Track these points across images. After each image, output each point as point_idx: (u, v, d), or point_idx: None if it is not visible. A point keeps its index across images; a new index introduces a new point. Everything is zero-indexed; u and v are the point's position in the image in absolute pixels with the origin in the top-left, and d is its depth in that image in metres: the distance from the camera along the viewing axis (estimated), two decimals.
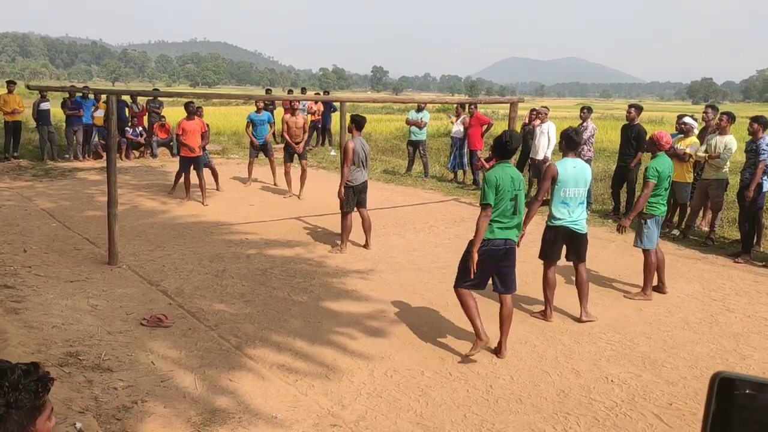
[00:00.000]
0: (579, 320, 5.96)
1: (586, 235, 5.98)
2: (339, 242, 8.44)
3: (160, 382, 4.52)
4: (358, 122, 8.27)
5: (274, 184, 13.07)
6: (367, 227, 8.45)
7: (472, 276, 4.99)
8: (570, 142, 5.86)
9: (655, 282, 6.89)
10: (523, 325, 5.88)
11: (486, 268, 5.02)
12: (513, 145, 5.06)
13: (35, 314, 5.54)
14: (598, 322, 6.01)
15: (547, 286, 5.97)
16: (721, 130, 8.90)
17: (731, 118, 8.99)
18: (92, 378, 4.45)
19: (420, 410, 4.30)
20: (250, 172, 13.38)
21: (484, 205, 4.94)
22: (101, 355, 4.83)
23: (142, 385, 4.44)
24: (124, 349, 5.03)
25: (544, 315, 6.03)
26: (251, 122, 12.93)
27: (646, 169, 6.67)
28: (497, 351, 5.19)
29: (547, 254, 5.96)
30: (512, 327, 5.79)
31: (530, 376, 4.86)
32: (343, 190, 8.15)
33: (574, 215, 5.82)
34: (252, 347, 5.23)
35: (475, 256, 4.92)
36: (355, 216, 8.36)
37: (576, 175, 5.77)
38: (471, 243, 4.99)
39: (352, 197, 8.22)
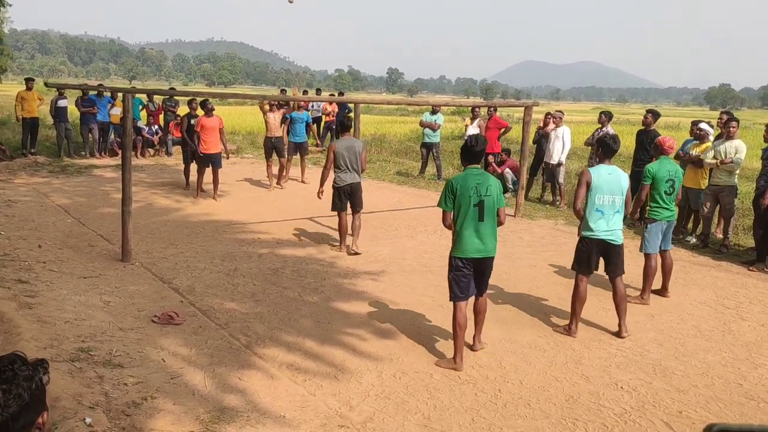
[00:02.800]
0: (619, 335, 5.72)
1: (622, 246, 5.72)
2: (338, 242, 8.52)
3: (170, 379, 4.55)
4: (342, 124, 8.39)
5: (302, 181, 13.35)
6: (354, 229, 8.30)
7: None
8: (607, 149, 5.69)
9: (659, 285, 6.93)
10: (533, 330, 5.86)
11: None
12: (478, 148, 5.06)
13: (48, 309, 5.59)
14: (609, 328, 5.97)
15: (577, 299, 5.72)
16: (729, 135, 8.82)
17: (736, 121, 8.93)
18: (103, 374, 4.49)
19: (428, 413, 4.30)
20: (286, 173, 13.20)
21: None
22: (112, 351, 4.88)
23: (152, 381, 4.47)
24: (135, 345, 5.07)
25: (568, 330, 5.79)
26: (290, 119, 13.05)
27: None
28: (471, 346, 5.30)
29: (581, 266, 5.74)
30: (521, 332, 5.81)
31: (539, 381, 4.84)
32: (322, 191, 8.30)
33: (609, 225, 5.59)
34: (262, 346, 5.25)
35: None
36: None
37: (611, 181, 5.56)
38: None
39: (339, 199, 8.18)
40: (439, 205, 5.09)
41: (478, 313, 5.28)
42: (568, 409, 4.43)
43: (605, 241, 5.62)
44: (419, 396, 4.53)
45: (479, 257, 4.99)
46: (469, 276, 5.04)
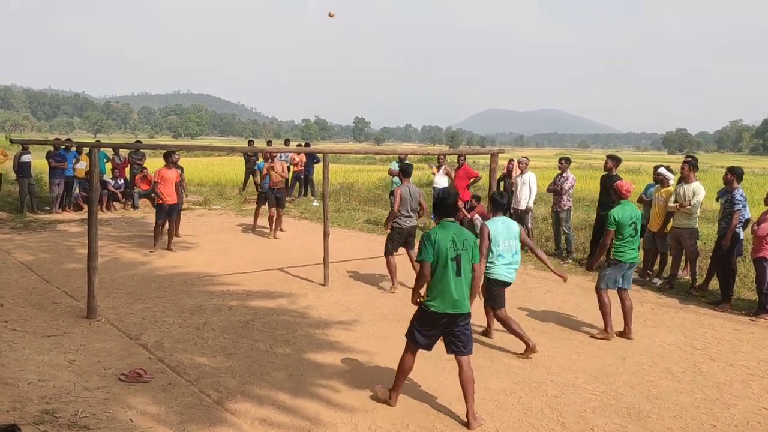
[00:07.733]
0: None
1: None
2: (391, 284, 9.01)
3: None
4: (404, 170, 9.10)
5: (275, 237, 13.34)
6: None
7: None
8: (497, 205, 6.46)
9: (622, 327, 7.15)
10: (507, 376, 5.85)
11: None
12: (450, 201, 5.02)
13: (11, 370, 5.41)
14: (582, 372, 5.99)
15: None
16: (686, 179, 9.10)
17: (692, 165, 9.21)
18: None
19: None
20: (257, 219, 13.84)
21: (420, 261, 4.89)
22: (78, 413, 4.71)
23: None
24: (101, 405, 4.91)
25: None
26: (260, 170, 13.75)
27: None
28: (467, 424, 4.81)
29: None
30: (495, 378, 5.77)
31: (516, 429, 4.80)
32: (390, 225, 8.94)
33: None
34: (233, 402, 5.13)
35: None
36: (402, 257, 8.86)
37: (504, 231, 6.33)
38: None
39: (398, 239, 8.87)
40: (420, 257, 4.85)
41: (466, 383, 4.83)
42: None
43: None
44: None
45: (453, 312, 4.79)
46: (436, 330, 4.88)
